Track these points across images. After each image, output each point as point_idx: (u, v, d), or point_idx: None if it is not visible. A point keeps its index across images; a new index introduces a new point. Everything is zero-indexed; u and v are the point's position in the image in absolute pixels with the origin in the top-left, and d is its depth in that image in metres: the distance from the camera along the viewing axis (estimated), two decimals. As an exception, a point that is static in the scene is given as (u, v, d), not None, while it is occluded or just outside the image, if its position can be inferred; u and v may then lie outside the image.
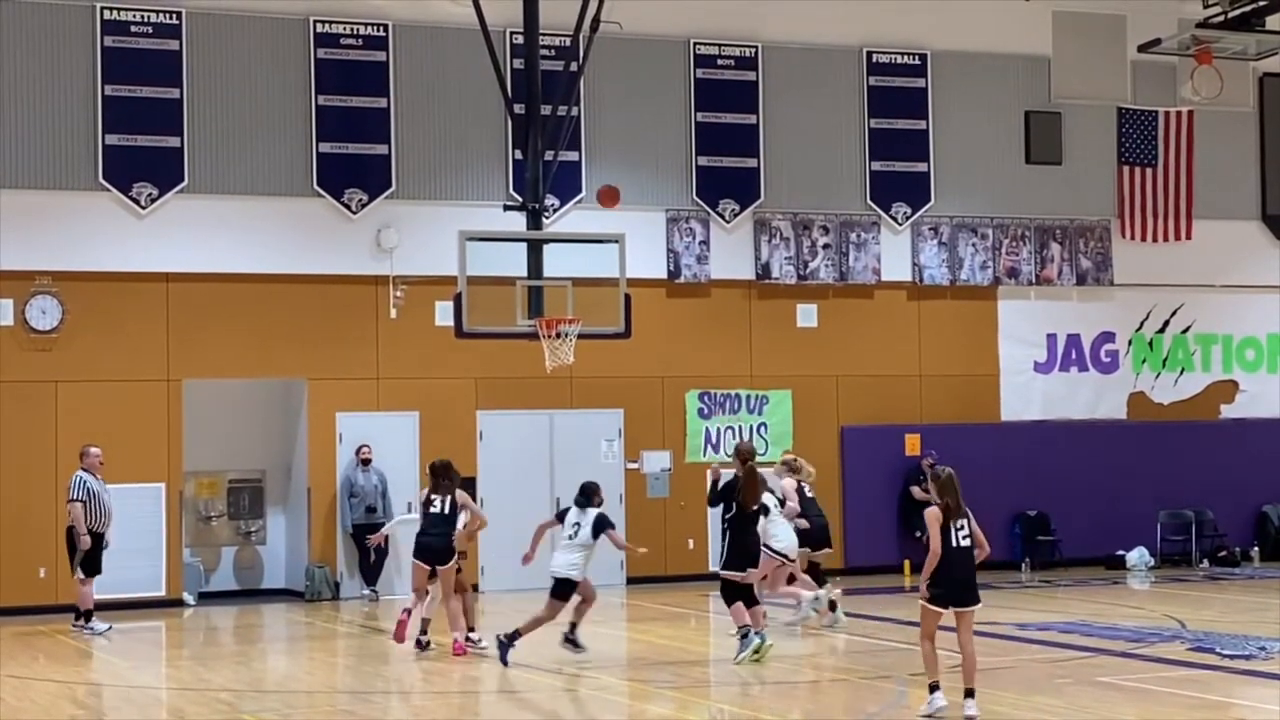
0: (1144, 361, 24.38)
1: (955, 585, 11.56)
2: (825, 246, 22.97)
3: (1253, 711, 12.14)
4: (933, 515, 11.57)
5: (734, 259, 22.64)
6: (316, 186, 21.02)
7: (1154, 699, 12.58)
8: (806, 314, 23.01)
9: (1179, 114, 24.35)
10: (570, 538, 14.86)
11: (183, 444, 20.56)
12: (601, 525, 14.83)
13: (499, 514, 21.45)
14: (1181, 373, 24.51)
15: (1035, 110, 23.87)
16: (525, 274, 18.37)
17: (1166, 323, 24.49)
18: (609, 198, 18.72)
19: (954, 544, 11.50)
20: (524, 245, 18.49)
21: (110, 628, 17.82)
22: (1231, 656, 14.27)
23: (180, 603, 20.39)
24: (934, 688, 11.61)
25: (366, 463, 20.90)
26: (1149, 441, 23.17)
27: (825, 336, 23.00)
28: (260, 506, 22.04)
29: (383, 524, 20.94)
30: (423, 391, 21.39)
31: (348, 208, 21.14)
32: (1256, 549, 24.06)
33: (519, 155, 20.08)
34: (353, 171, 21.13)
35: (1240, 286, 24.71)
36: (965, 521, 11.59)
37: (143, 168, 20.36)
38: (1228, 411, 24.73)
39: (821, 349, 22.96)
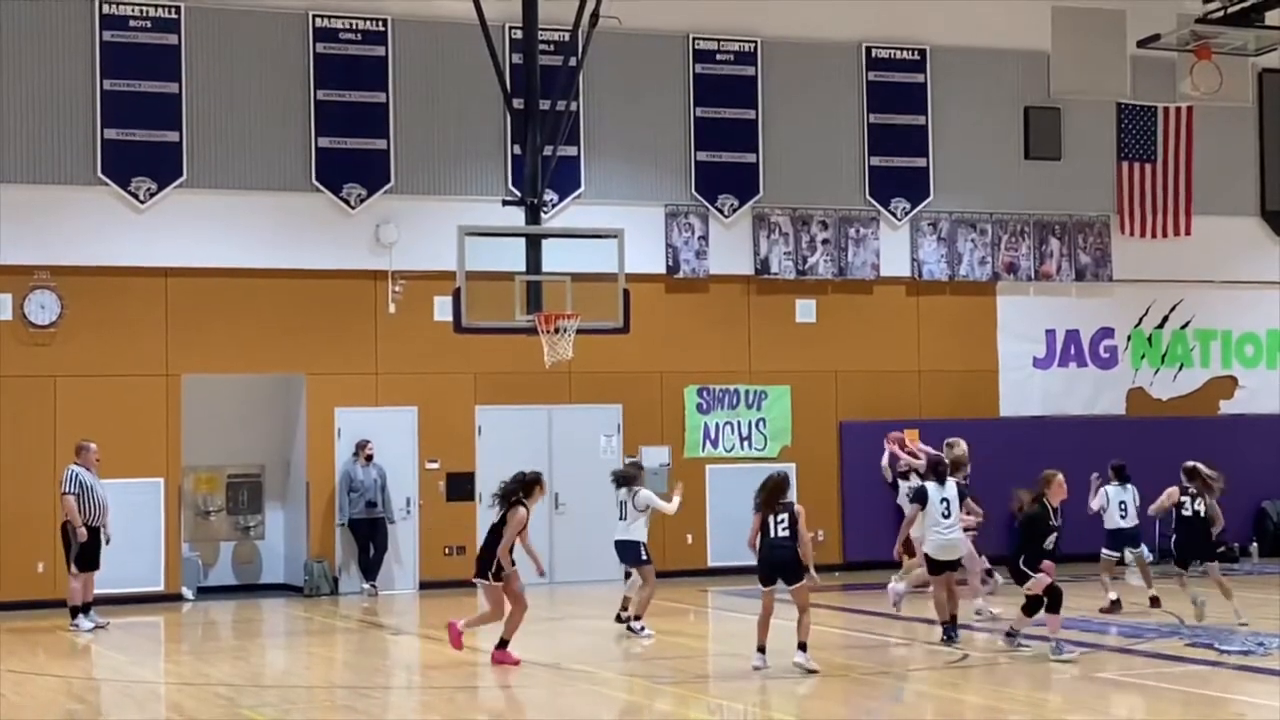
0: (1143, 357, 24.37)
1: (773, 567, 13.91)
2: (824, 242, 22.96)
3: (1251, 707, 12.15)
4: (756, 514, 14.12)
5: (733, 254, 22.63)
6: (315, 181, 21.01)
7: (1153, 694, 12.58)
8: (805, 309, 23.00)
9: (1178, 110, 24.34)
10: (944, 515, 15.53)
11: (181, 439, 20.56)
12: (963, 495, 15.98)
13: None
14: (1180, 368, 24.51)
15: (1034, 106, 23.85)
16: (524, 269, 18.37)
17: (1165, 318, 24.49)
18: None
19: (772, 534, 13.88)
20: (523, 240, 18.49)
21: (95, 626, 17.57)
22: (1230, 652, 14.28)
23: (179, 597, 20.39)
24: (760, 649, 13.82)
25: (369, 458, 20.89)
26: (1148, 437, 23.13)
27: (824, 332, 22.99)
28: (259, 501, 22.04)
29: (382, 519, 20.98)
30: (421, 386, 21.38)
31: (346, 203, 21.13)
32: (1255, 545, 24.07)
33: (518, 150, 20.06)
34: (351, 166, 21.12)
35: (1239, 282, 24.71)
36: (786, 516, 13.88)
37: (141, 162, 20.34)
38: (1227, 407, 24.73)
39: (820, 344, 22.96)
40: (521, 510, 14.43)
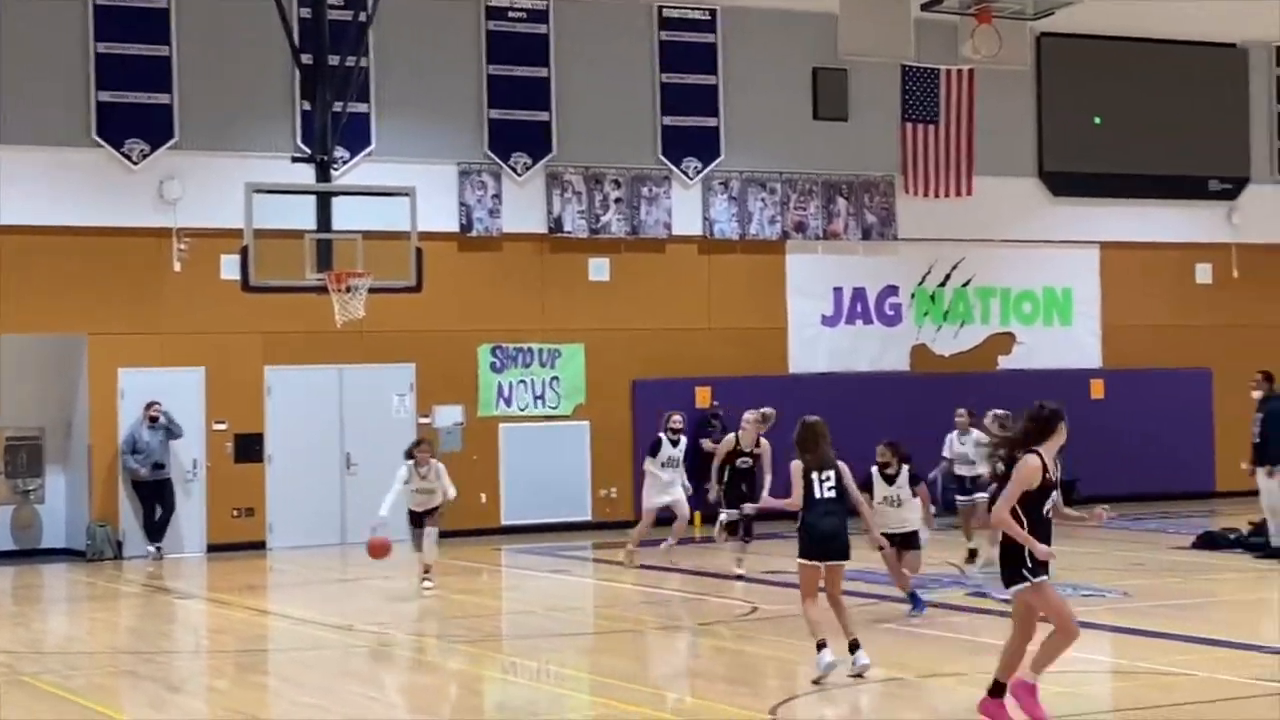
0: (926, 315, 24.92)
1: (824, 539, 11.12)
2: (617, 200, 23.05)
3: (1028, 654, 12.52)
4: (796, 468, 11.31)
5: (526, 212, 22.60)
6: (95, 136, 20.46)
7: (934, 643, 12.93)
8: (598, 268, 23.08)
9: (960, 72, 24.87)
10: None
11: (-43, 401, 19.94)
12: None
13: (288, 471, 21.27)
14: (962, 325, 25.12)
15: (822, 67, 24.17)
16: (314, 227, 18.15)
17: (948, 277, 25.06)
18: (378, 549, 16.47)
19: (817, 495, 11.16)
20: (312, 198, 18.26)
21: None
22: (1007, 601, 14.69)
23: (-45, 564, 19.81)
24: (821, 645, 11.18)
25: (154, 420, 20.48)
26: (930, 392, 23.67)
27: (617, 290, 23.10)
28: (39, 464, 21.45)
29: (169, 481, 20.60)
30: (208, 346, 21.00)
31: (128, 158, 20.62)
32: (1032, 496, 24.81)
33: (307, 106, 19.82)
34: (134, 121, 20.60)
35: (1018, 241, 25.35)
36: (832, 473, 11.27)
37: (-89, 115, 19.63)
38: (1005, 363, 25.40)
39: (613, 302, 23.06)
40: (1033, 460, 9.50)
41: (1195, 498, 25.08)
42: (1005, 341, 25.41)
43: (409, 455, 17.01)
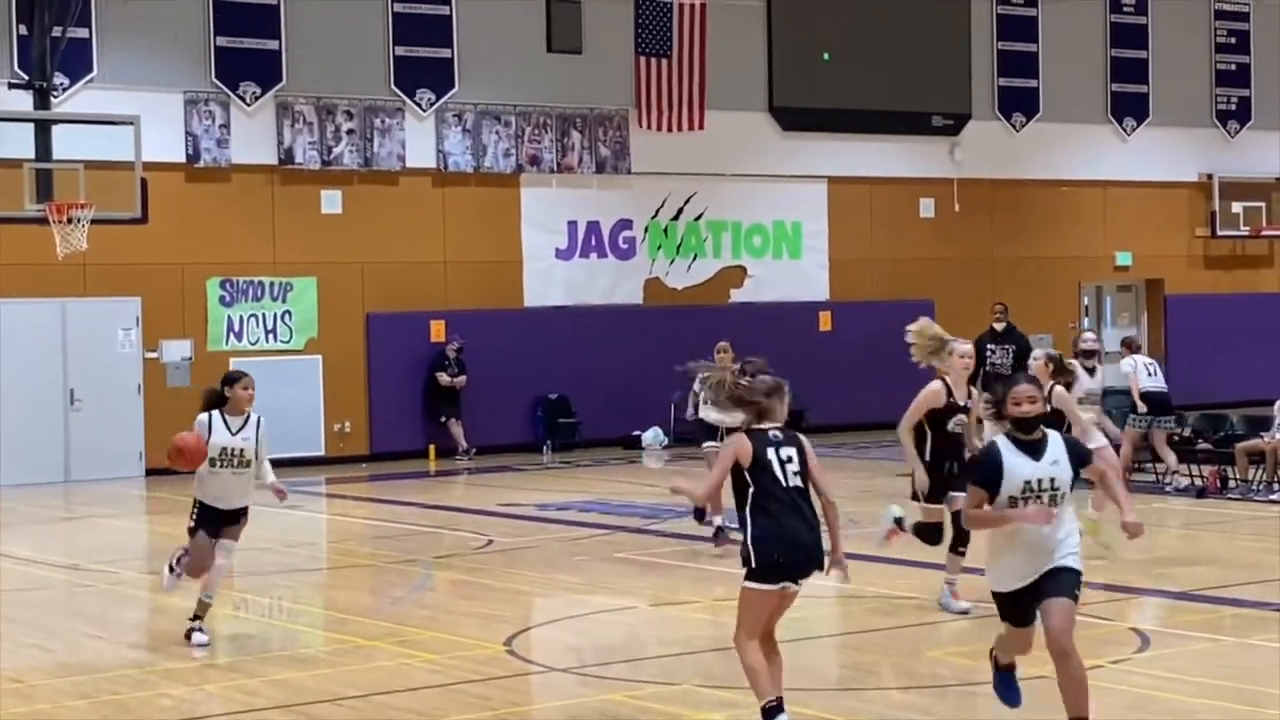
0: (659, 248, 25.18)
1: (795, 549, 7.77)
2: (350, 132, 22.74)
3: (756, 579, 12.87)
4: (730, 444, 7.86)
5: (256, 143, 22.14)
6: None
7: (665, 572, 13.20)
8: (331, 200, 22.77)
9: (692, 6, 25.06)
10: None
11: None
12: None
13: (9, 407, 20.63)
14: (694, 259, 25.45)
15: (556, -1, 24.15)
16: (33, 156, 17.67)
17: (680, 210, 25.34)
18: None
19: (783, 482, 7.67)
20: (31, 126, 17.77)
21: None
22: (735, 530, 15.04)
23: None
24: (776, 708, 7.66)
25: None
26: (663, 325, 24.00)
27: (350, 223, 22.82)
28: None
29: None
30: (-79, 279, 20.18)
31: None
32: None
33: (24, 30, 19.09)
34: None
35: (749, 175, 25.75)
36: (794, 450, 7.75)
37: None
38: (737, 296, 25.84)
39: (346, 235, 22.79)
40: None
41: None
42: (737, 275, 25.84)
43: (218, 399, 10.80)
